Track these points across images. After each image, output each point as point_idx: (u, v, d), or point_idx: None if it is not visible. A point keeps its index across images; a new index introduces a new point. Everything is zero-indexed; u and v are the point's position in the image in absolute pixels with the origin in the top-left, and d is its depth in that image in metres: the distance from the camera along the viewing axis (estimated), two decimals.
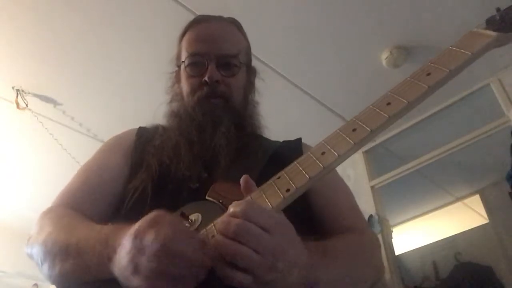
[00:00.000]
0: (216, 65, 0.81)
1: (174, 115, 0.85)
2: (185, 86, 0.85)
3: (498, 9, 0.57)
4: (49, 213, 0.72)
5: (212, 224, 0.55)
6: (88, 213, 0.71)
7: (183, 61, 0.85)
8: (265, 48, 2.21)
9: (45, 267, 0.63)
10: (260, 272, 0.47)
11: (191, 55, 0.84)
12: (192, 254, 0.47)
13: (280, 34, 2.20)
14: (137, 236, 0.48)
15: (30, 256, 0.67)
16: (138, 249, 0.47)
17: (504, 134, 2.38)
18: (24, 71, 2.32)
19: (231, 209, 0.50)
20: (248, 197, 0.55)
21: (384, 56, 2.32)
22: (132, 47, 2.23)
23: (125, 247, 0.49)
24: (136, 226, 0.50)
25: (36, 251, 0.65)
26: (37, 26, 2.07)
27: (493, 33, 0.54)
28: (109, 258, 0.52)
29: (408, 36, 2.24)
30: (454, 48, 0.55)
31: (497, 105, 2.48)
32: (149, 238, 0.46)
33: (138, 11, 2.03)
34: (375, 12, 2.10)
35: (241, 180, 0.56)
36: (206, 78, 0.79)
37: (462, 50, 0.54)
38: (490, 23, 0.57)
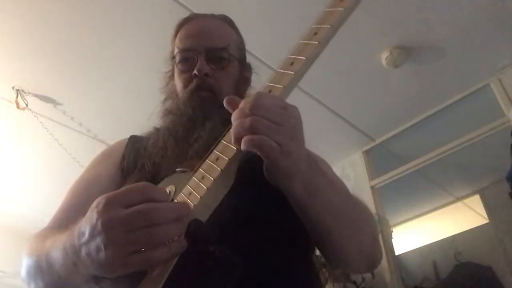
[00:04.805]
0: (206, 59, 0.81)
1: (168, 113, 0.85)
2: (177, 83, 0.85)
3: None
4: (33, 235, 0.71)
5: (187, 186, 0.57)
6: None
7: (174, 57, 0.86)
8: (264, 46, 2.21)
9: (32, 287, 0.63)
10: (285, 140, 0.48)
11: (181, 51, 0.85)
12: (139, 205, 0.45)
13: (280, 33, 2.19)
14: (85, 225, 0.47)
15: (24, 281, 0.66)
16: (91, 234, 0.45)
17: (504, 134, 2.37)
18: (24, 71, 2.32)
19: (243, 100, 0.52)
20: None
21: (384, 56, 2.32)
22: (132, 47, 2.23)
23: (83, 246, 0.47)
24: (84, 221, 0.48)
25: (23, 274, 0.65)
26: (37, 26, 2.07)
27: None
28: (74, 263, 0.50)
29: (408, 36, 2.24)
30: None
31: (497, 105, 2.48)
32: (94, 217, 0.45)
33: (138, 10, 2.04)
34: (375, 12, 2.10)
35: (224, 101, 0.55)
36: (195, 71, 0.80)
37: None
38: None
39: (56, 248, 0.55)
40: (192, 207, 0.53)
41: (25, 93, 2.42)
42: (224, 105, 0.55)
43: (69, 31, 2.10)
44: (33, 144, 2.86)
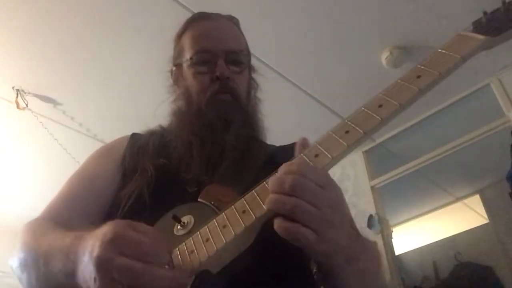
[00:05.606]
0: (225, 61, 0.80)
1: (182, 113, 0.83)
2: (193, 84, 0.82)
3: (485, 13, 0.58)
4: (28, 225, 0.71)
5: (206, 227, 0.55)
6: (70, 225, 0.67)
7: (191, 58, 0.82)
8: (264, 48, 2.21)
9: (24, 279, 0.63)
10: (322, 227, 0.46)
11: (198, 52, 0.82)
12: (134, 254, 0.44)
13: (280, 34, 2.20)
14: (91, 245, 0.47)
15: (14, 271, 0.66)
16: (90, 258, 0.46)
17: (504, 134, 2.38)
18: (24, 71, 2.32)
19: (283, 168, 0.49)
20: (301, 155, 0.54)
21: (384, 56, 2.32)
22: (132, 47, 2.23)
23: (82, 263, 0.48)
24: (89, 241, 0.48)
25: (15, 264, 0.65)
26: (37, 26, 2.06)
27: (480, 37, 0.54)
28: (73, 271, 0.51)
29: (408, 36, 2.24)
30: (443, 51, 0.55)
31: (497, 105, 2.49)
32: (97, 244, 0.46)
33: (138, 10, 2.03)
34: (375, 12, 2.10)
35: (298, 144, 0.55)
36: (217, 74, 0.78)
37: (451, 53, 0.54)
38: (477, 26, 0.57)
39: (57, 252, 0.55)
40: (206, 258, 0.51)
41: (25, 93, 2.42)
42: (296, 146, 0.56)
43: (69, 31, 2.10)
44: (33, 144, 2.86)
